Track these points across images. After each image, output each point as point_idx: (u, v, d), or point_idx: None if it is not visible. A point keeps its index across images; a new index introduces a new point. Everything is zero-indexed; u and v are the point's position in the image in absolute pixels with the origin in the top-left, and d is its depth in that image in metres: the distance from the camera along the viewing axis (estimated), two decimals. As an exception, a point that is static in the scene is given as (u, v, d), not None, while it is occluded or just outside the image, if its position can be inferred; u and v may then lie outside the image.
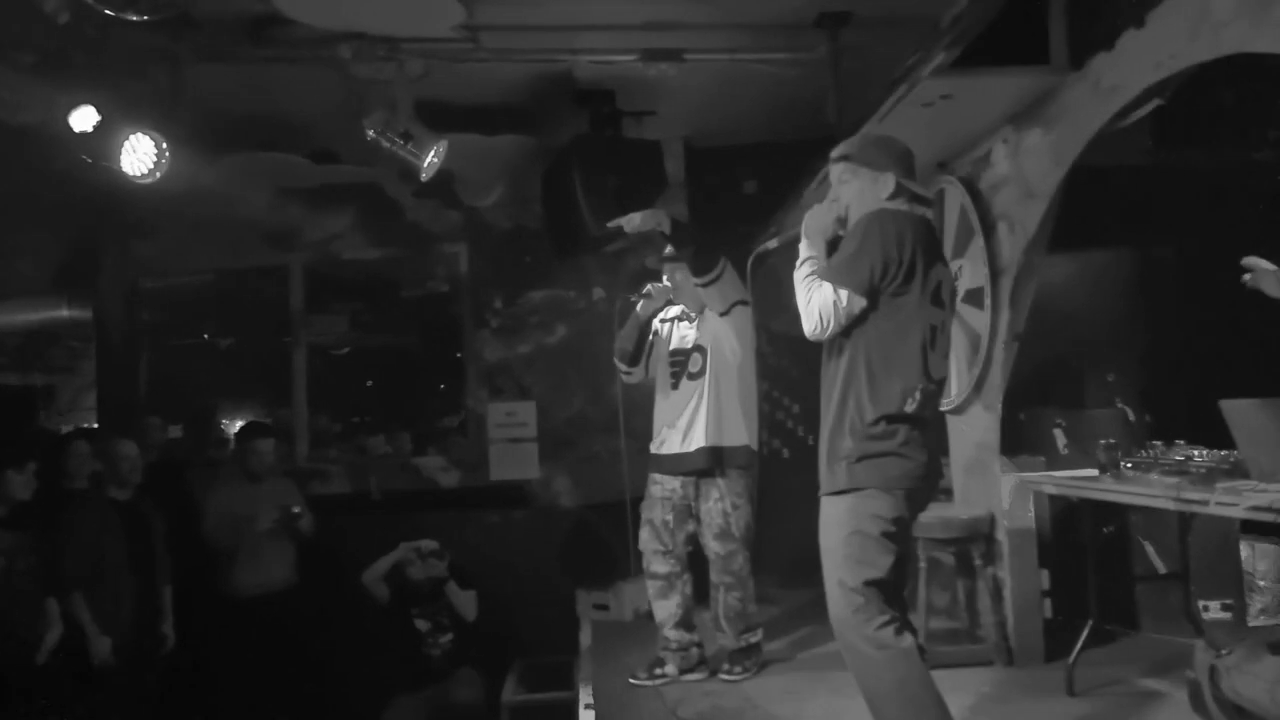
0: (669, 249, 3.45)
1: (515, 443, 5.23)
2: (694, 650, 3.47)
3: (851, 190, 2.30)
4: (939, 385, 2.30)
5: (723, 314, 3.39)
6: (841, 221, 2.30)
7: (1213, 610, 3.42)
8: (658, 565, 3.45)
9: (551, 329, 5.33)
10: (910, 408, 2.17)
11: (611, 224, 3.33)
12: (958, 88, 3.02)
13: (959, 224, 3.66)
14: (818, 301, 2.15)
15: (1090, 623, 3.01)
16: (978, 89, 3.07)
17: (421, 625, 4.34)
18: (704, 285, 3.31)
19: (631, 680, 3.41)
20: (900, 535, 2.19)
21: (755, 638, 3.47)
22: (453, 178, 4.98)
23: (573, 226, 4.15)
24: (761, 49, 3.94)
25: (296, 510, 4.36)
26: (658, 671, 3.42)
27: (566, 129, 4.39)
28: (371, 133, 3.92)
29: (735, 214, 4.98)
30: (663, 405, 3.53)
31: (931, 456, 2.26)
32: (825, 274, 2.18)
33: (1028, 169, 3.27)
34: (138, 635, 3.85)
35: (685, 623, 3.45)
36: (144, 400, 5.61)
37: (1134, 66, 2.69)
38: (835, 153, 2.37)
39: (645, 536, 3.48)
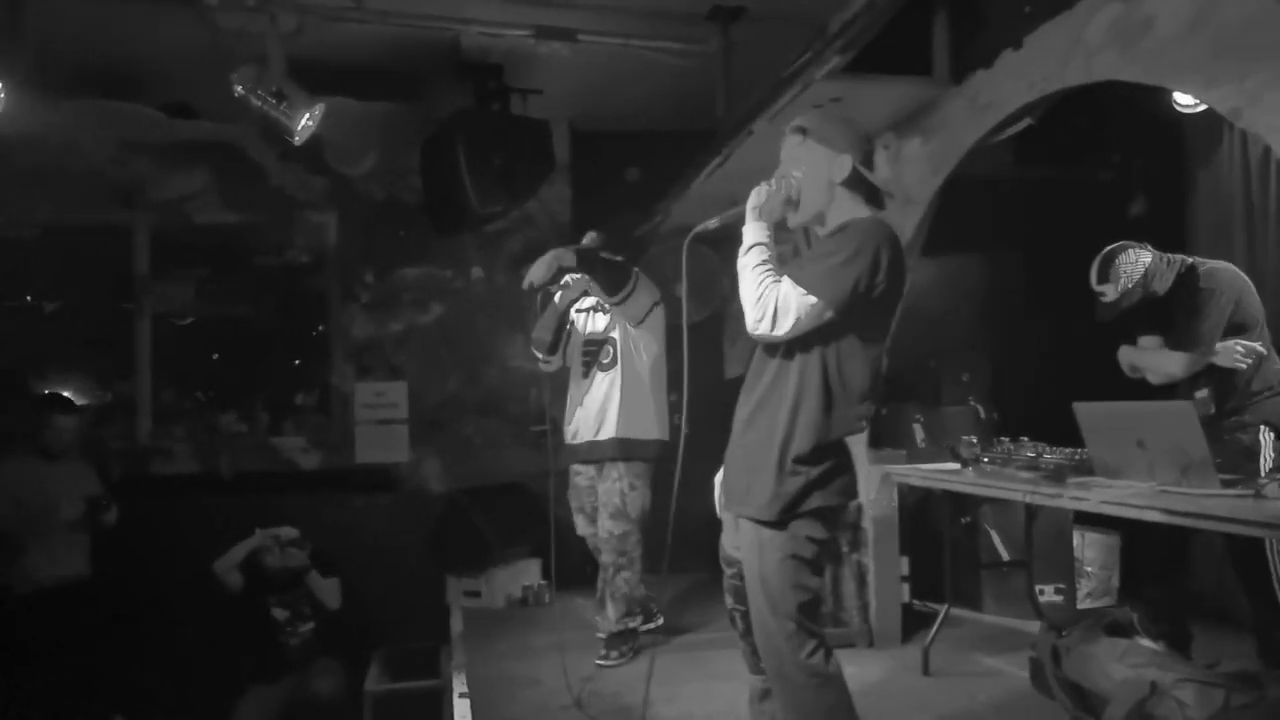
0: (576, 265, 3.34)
1: (384, 424, 5.02)
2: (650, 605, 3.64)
3: (804, 169, 2.08)
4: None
5: (639, 322, 3.46)
6: (792, 203, 2.07)
7: (1048, 594, 3.74)
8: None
9: (426, 307, 5.14)
10: (862, 429, 2.06)
11: (525, 285, 3.26)
12: (847, 91, 3.12)
13: (838, 224, 3.79)
14: (773, 298, 1.93)
15: (946, 607, 3.21)
16: (866, 94, 3.18)
17: (279, 614, 4.10)
18: (618, 304, 3.38)
19: (599, 661, 3.42)
20: (829, 549, 2.13)
21: (634, 622, 3.51)
22: (322, 143, 4.69)
23: (454, 202, 4.01)
24: (654, 36, 3.93)
25: (103, 501, 3.98)
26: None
27: (449, 101, 4.23)
28: (240, 89, 3.64)
29: (619, 200, 4.96)
30: (575, 393, 3.61)
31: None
32: (797, 276, 1.97)
33: (907, 176, 3.42)
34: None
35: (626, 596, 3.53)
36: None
37: (1010, 86, 2.86)
38: (792, 124, 2.15)
39: (581, 523, 3.63)
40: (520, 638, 3.83)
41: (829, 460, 2.02)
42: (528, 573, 4.46)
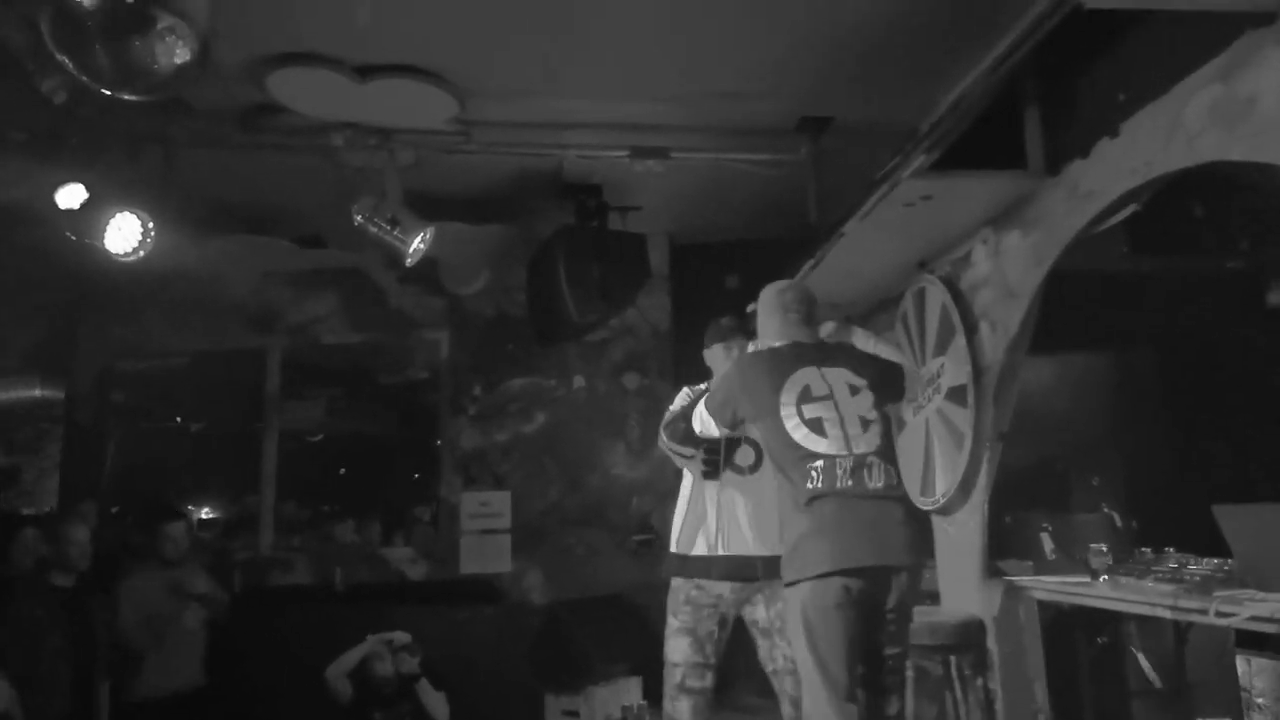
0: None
1: (488, 534, 5.07)
2: None
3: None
4: (857, 458, 2.46)
5: None
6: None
7: (1211, 728, 3.28)
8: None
9: (530, 416, 5.26)
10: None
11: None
12: (937, 189, 3.08)
13: (940, 322, 3.68)
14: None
15: (1086, 740, 2.86)
16: (957, 190, 3.13)
17: (387, 730, 4.08)
18: None
19: None
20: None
21: None
22: (437, 265, 5.00)
23: (555, 314, 4.15)
24: (745, 150, 4.05)
25: (207, 593, 4.15)
26: None
27: (552, 220, 4.44)
28: (359, 218, 3.93)
29: (717, 309, 5.00)
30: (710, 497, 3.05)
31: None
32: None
33: (1008, 269, 3.31)
34: (67, 728, 3.60)
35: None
36: (106, 484, 5.43)
37: (1109, 173, 2.75)
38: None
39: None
40: (618, 762, 3.66)
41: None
42: (627, 692, 4.30)
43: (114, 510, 5.30)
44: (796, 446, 2.49)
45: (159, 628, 4.01)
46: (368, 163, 3.92)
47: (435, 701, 4.12)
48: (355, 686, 4.10)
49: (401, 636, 4.19)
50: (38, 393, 5.62)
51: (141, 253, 3.60)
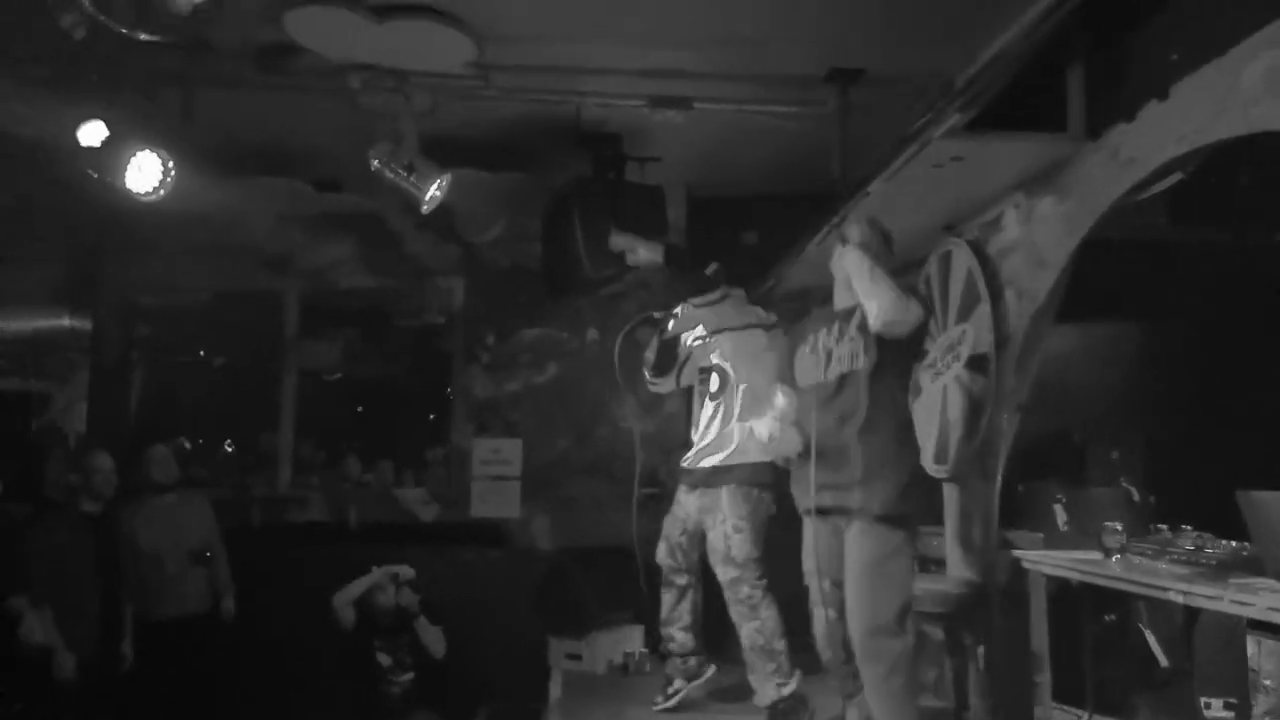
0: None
1: (498, 480, 5.13)
2: (693, 660, 3.48)
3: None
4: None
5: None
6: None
7: (1215, 709, 3.24)
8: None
9: (542, 368, 5.26)
10: None
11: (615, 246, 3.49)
12: (970, 150, 2.96)
13: (965, 288, 3.58)
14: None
15: (1088, 715, 2.85)
16: (990, 153, 3.00)
17: (384, 660, 4.19)
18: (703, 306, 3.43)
19: (654, 707, 3.42)
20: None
21: (792, 685, 3.25)
22: (453, 213, 4.94)
23: (570, 266, 4.09)
24: (770, 101, 3.91)
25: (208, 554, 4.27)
26: (670, 690, 3.43)
27: (569, 170, 4.35)
28: (376, 163, 3.88)
29: (734, 264, 4.91)
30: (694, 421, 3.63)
31: None
32: None
33: (1039, 236, 3.19)
34: (99, 653, 3.76)
35: (688, 626, 3.47)
36: (135, 414, 5.53)
37: (1155, 139, 2.62)
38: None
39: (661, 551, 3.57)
40: (618, 707, 3.70)
41: None
42: (630, 639, 4.36)
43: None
44: None
45: (147, 565, 4.11)
46: (384, 106, 3.84)
47: (432, 637, 4.22)
48: (358, 615, 4.20)
49: (406, 571, 4.29)
50: (66, 323, 5.72)
51: (162, 192, 3.59)
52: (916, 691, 2.61)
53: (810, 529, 2.85)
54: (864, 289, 2.71)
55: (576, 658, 4.33)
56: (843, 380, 2.79)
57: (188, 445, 5.49)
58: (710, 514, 3.35)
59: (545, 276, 4.44)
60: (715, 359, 3.49)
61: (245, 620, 4.32)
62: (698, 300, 3.45)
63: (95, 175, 3.47)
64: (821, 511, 2.78)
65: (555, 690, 4.03)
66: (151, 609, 4.11)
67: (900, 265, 4.26)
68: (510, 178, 4.61)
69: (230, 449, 7.21)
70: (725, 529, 3.27)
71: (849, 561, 2.66)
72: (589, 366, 5.21)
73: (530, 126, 4.24)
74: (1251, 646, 3.48)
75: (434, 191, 3.99)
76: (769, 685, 3.24)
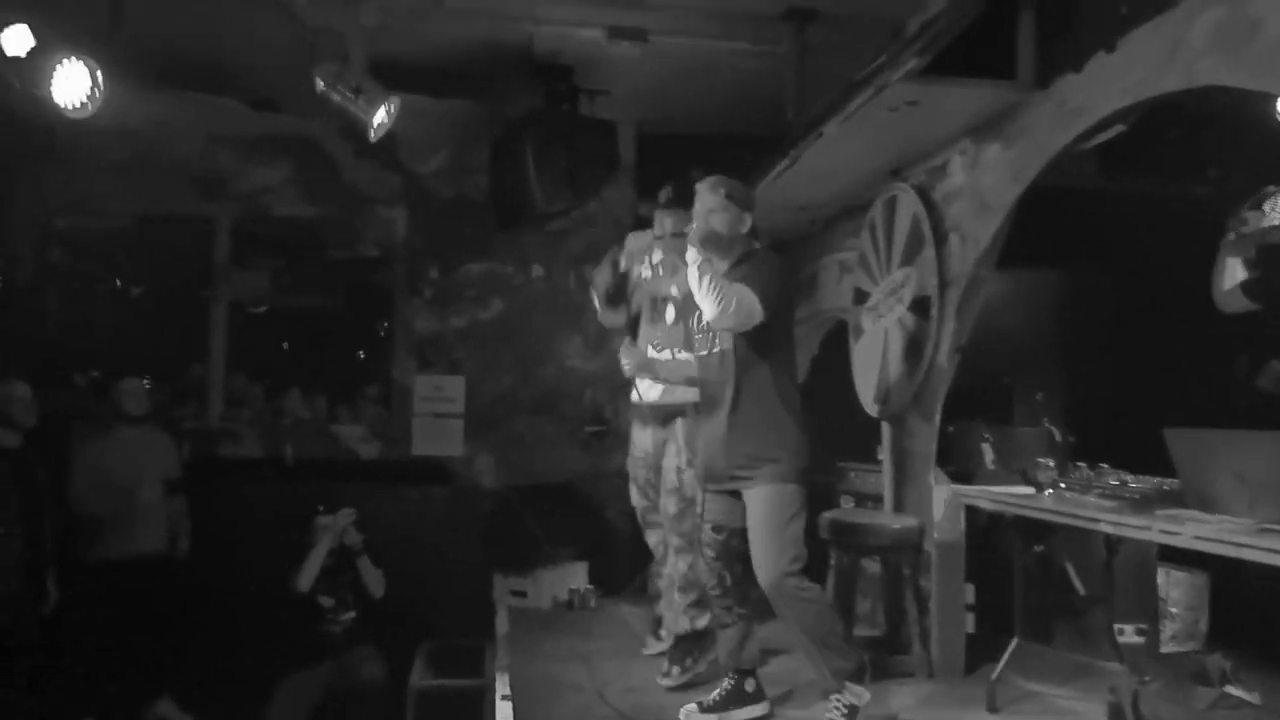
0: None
1: (440, 418, 5.07)
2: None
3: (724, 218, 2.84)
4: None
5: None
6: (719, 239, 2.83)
7: (1128, 634, 3.50)
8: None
9: (487, 304, 5.17)
10: None
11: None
12: (925, 95, 3.00)
13: (910, 232, 3.66)
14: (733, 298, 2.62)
15: (1015, 640, 3.04)
16: (943, 98, 3.05)
17: (325, 601, 4.17)
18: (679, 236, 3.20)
19: (644, 651, 3.48)
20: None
21: (705, 620, 3.23)
22: (396, 140, 4.76)
23: (520, 200, 4.02)
24: (726, 37, 3.88)
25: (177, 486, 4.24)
26: (661, 633, 3.47)
27: (520, 101, 4.26)
28: (322, 83, 3.71)
29: (683, 203, 4.90)
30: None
31: None
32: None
33: (984, 183, 3.28)
34: (21, 588, 3.62)
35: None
36: (52, 342, 5.25)
37: (1101, 90, 2.70)
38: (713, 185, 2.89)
39: (633, 494, 3.53)
40: (565, 641, 3.79)
41: None
42: (575, 576, 4.43)
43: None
44: None
45: (117, 497, 3.98)
46: (330, 23, 3.66)
47: (373, 578, 4.22)
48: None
49: (347, 514, 4.24)
50: (-28, 244, 5.33)
51: (90, 108, 3.34)
52: (831, 618, 2.71)
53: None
54: (699, 298, 2.71)
55: (522, 594, 4.38)
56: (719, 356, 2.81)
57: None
58: (666, 445, 3.34)
59: (493, 208, 4.37)
60: (673, 290, 3.37)
61: (194, 560, 4.28)
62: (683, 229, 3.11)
63: (17, 85, 3.20)
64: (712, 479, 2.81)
65: (502, 626, 4.07)
66: (111, 545, 4.01)
67: (843, 209, 4.36)
68: (458, 105, 4.49)
69: (147, 384, 6.94)
70: (679, 461, 3.25)
71: (752, 521, 2.67)
72: (535, 303, 5.15)
73: (481, 53, 4.11)
74: (1161, 577, 3.77)
75: (382, 116, 3.85)
76: (683, 618, 3.26)
